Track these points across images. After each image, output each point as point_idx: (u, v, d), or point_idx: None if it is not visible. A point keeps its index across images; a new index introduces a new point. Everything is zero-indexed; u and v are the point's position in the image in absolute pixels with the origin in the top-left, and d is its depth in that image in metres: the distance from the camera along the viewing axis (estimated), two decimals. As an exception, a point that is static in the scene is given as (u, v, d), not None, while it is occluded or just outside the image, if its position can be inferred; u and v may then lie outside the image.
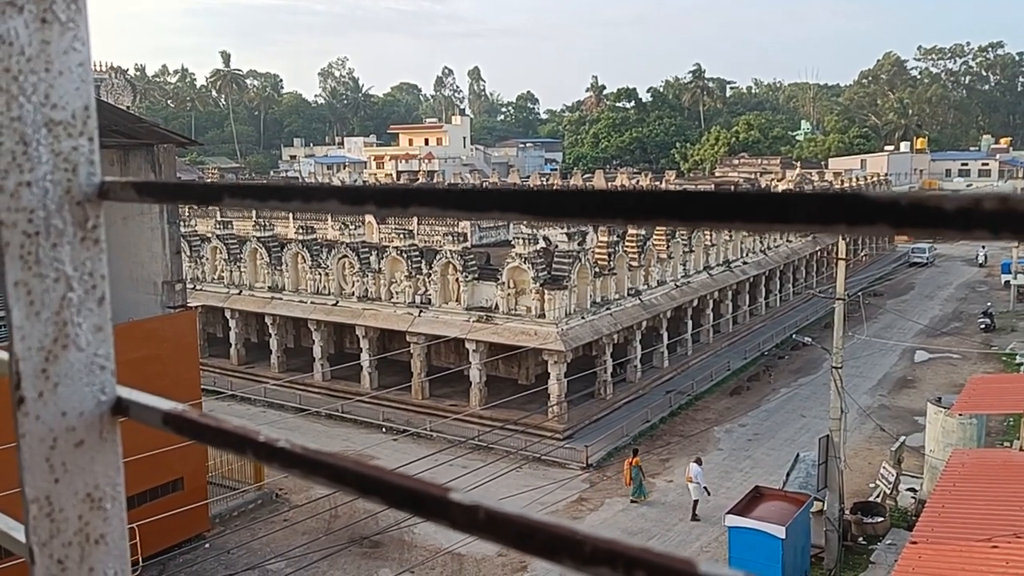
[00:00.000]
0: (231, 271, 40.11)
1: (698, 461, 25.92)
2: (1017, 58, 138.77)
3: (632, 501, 26.03)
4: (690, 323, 40.19)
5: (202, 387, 26.07)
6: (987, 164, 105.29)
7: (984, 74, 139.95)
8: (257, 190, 0.84)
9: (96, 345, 0.99)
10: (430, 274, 33.91)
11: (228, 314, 40.03)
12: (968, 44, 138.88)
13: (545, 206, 0.72)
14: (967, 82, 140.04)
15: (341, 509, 24.76)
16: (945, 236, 0.62)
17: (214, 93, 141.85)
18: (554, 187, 0.76)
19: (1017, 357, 39.02)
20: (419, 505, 0.68)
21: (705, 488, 25.19)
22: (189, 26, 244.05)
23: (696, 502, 25.01)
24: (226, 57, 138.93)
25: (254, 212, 47.29)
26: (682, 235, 39.74)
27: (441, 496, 0.65)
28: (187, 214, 47.87)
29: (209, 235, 41.69)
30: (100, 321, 0.99)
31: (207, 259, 41.05)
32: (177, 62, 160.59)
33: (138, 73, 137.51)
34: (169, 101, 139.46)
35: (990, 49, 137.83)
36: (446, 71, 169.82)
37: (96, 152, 0.96)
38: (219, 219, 43.78)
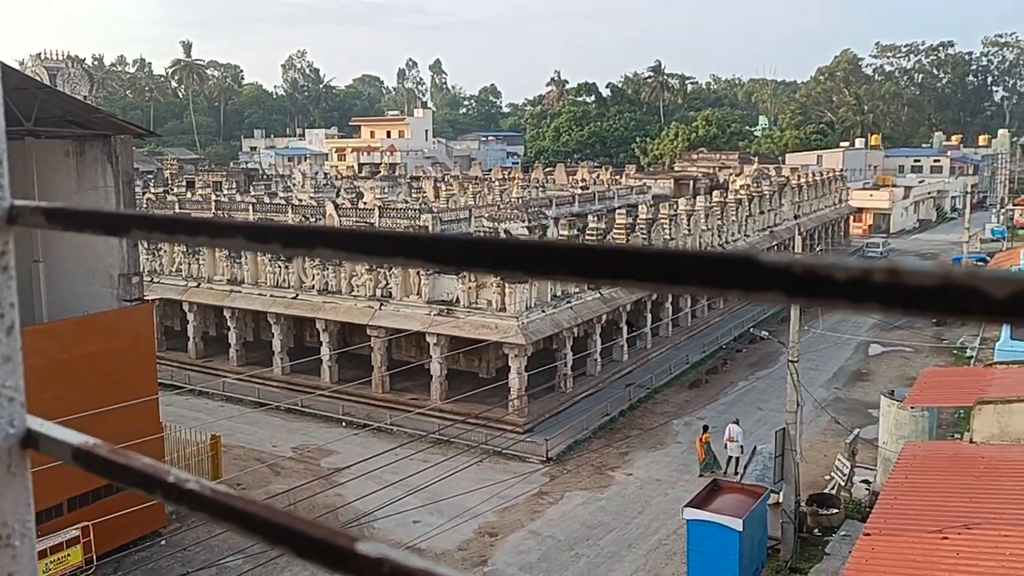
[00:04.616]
0: (189, 263, 39.62)
1: (736, 422, 28.07)
2: (967, 57, 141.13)
3: (700, 475, 26.89)
4: (649, 317, 40.40)
5: (159, 381, 25.72)
6: (939, 161, 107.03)
7: (936, 72, 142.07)
8: (165, 223, 0.82)
9: (4, 376, 0.96)
10: (390, 267, 33.75)
11: (186, 307, 39.55)
12: (923, 43, 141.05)
13: (448, 256, 0.71)
14: (920, 80, 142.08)
15: (301, 504, 24.60)
16: (838, 309, 0.61)
17: (173, 83, 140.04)
18: (458, 235, 0.74)
19: (967, 350, 39.75)
20: (326, 555, 0.66)
21: (742, 447, 27.11)
22: (149, 16, 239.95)
23: (733, 459, 27.16)
24: (187, 47, 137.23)
25: (213, 204, 46.74)
26: (641, 229, 39.93)
27: (348, 547, 0.63)
28: (145, 205, 47.23)
29: (166, 227, 41.07)
30: (9, 351, 0.96)
31: (165, 251, 40.49)
32: (136, 52, 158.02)
33: (96, 63, 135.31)
34: (128, 91, 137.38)
35: (941, 48, 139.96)
36: (409, 63, 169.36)
37: (5, 176, 0.93)
38: (177, 211, 43.22)
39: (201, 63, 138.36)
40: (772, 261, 0.61)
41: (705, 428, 28.46)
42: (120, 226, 0.85)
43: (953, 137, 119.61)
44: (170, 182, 59.89)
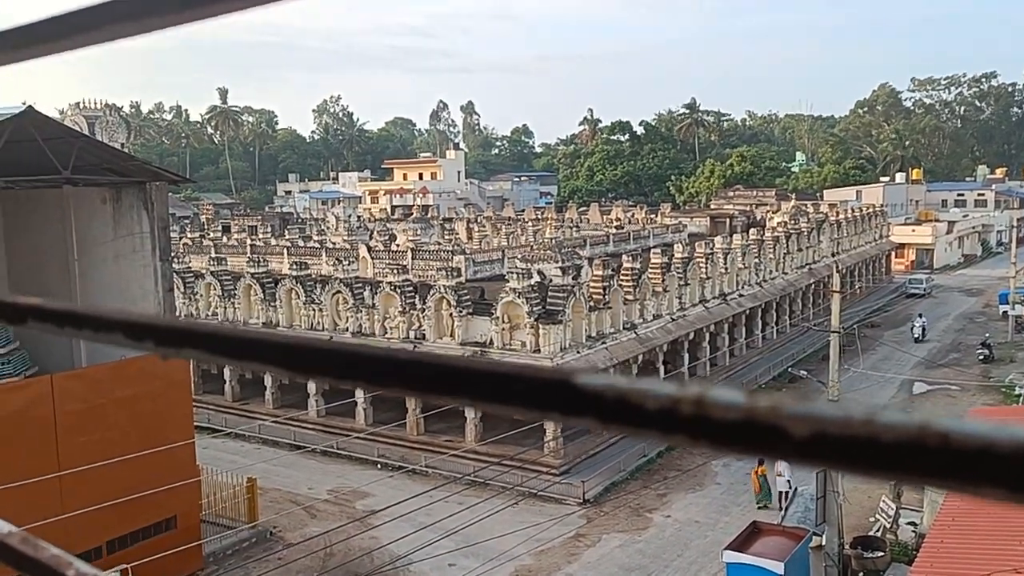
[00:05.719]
0: (225, 307, 40.01)
1: None
2: (1011, 88, 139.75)
3: (760, 507, 27.16)
4: (686, 356, 40.02)
5: (196, 424, 25.85)
6: (983, 194, 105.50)
7: (978, 104, 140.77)
8: (57, 315, 0.79)
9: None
10: (424, 309, 33.80)
11: (222, 350, 39.75)
12: (964, 75, 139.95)
13: (304, 363, 0.74)
14: (962, 112, 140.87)
15: (336, 547, 24.47)
16: (651, 439, 0.59)
17: (209, 129, 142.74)
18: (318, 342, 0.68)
19: (1016, 388, 38.73)
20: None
21: (788, 481, 26.87)
22: (183, 63, 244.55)
23: (783, 494, 26.87)
24: (223, 93, 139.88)
25: (248, 248, 47.20)
26: (677, 268, 39.69)
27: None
28: (182, 250, 47.89)
29: (203, 271, 41.60)
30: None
31: (201, 295, 40.93)
32: (172, 99, 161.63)
33: (133, 110, 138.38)
34: (164, 138, 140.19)
35: (984, 80, 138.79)
36: (441, 105, 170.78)
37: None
38: (213, 255, 43.73)
39: (236, 109, 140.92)
40: (585, 384, 0.58)
41: (761, 461, 28.00)
42: (17, 316, 0.81)
43: (998, 170, 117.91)
44: (206, 227, 60.82)
